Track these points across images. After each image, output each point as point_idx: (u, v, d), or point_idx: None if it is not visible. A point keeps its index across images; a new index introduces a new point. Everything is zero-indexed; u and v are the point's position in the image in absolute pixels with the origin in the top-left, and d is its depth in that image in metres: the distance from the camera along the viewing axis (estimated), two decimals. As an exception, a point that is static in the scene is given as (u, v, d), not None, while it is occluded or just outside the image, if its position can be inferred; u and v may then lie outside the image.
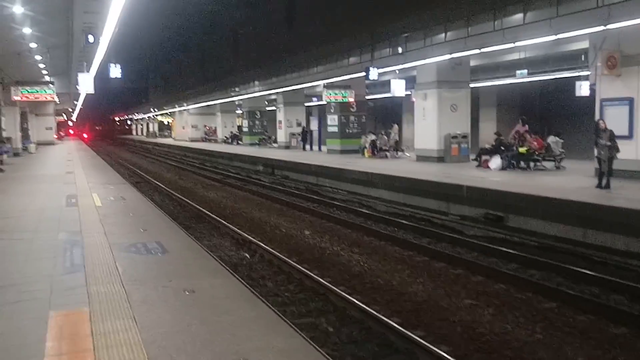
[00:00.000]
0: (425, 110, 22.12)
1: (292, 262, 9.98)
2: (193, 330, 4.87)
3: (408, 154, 25.54)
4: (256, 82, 38.88)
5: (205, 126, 56.78)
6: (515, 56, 22.68)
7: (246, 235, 12.36)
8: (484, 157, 19.37)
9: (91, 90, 22.96)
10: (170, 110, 67.22)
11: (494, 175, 16.90)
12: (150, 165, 36.30)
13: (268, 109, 44.69)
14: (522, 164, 18.27)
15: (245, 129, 44.82)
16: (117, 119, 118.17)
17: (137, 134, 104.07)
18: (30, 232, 9.40)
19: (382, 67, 22.71)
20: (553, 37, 15.27)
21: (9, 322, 5.14)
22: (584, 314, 7.55)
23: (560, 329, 7.08)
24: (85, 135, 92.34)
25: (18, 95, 24.74)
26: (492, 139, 20.78)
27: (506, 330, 7.08)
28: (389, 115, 40.73)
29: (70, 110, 71.68)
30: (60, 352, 4.46)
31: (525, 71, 23.73)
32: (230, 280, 6.76)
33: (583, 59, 19.92)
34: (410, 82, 24.77)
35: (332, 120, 29.81)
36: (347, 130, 29.32)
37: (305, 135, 35.28)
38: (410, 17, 20.89)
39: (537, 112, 30.05)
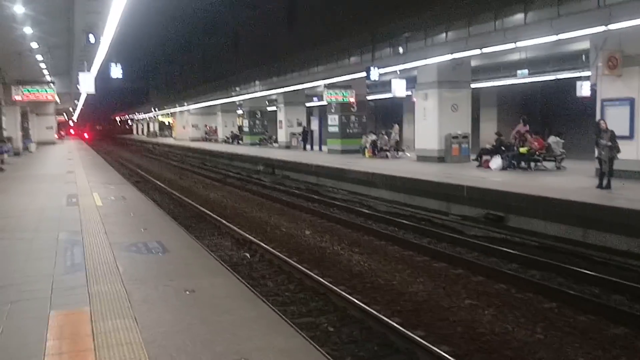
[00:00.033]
0: (426, 110, 22.11)
1: (292, 262, 9.99)
2: (194, 330, 4.87)
3: (409, 154, 25.53)
4: (257, 82, 38.87)
5: (206, 126, 56.77)
6: (516, 56, 22.67)
7: (247, 235, 12.36)
8: (484, 157, 19.36)
9: (92, 90, 22.97)
10: (171, 110, 67.24)
11: (494, 175, 16.90)
12: (150, 165, 36.30)
13: (269, 108, 44.69)
14: (523, 164, 18.26)
15: (245, 129, 44.83)
16: (117, 118, 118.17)
17: (137, 133, 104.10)
18: (31, 232, 9.41)
19: (383, 67, 22.69)
20: (554, 38, 15.25)
21: (9, 322, 5.14)
22: (584, 314, 7.55)
23: (560, 329, 7.08)
24: (86, 135, 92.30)
25: (19, 94, 24.79)
26: (493, 139, 20.78)
27: (507, 330, 7.07)
28: (389, 115, 40.74)
29: (71, 110, 71.74)
30: (61, 351, 4.46)
31: (526, 71, 23.73)
32: (231, 279, 6.76)
33: (584, 59, 19.92)
34: (411, 82, 24.76)
35: (333, 120, 29.80)
36: (347, 130, 29.30)
37: (306, 135, 35.27)
38: (411, 17, 20.87)
39: (538, 112, 30.06)
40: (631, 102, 14.57)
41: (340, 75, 26.23)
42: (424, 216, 14.82)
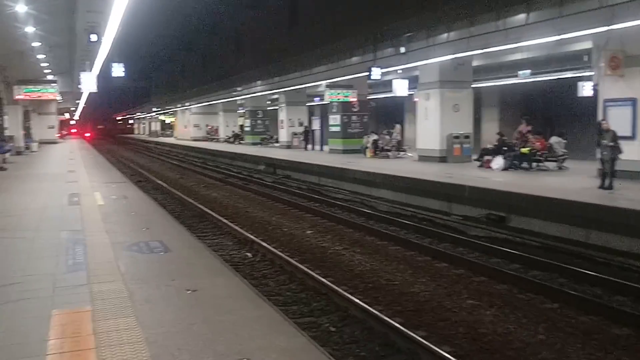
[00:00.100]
0: (428, 110, 22.10)
1: (294, 262, 9.98)
2: (195, 330, 4.87)
3: (410, 154, 25.51)
4: (258, 82, 38.88)
5: (207, 125, 56.79)
6: (518, 56, 22.63)
7: (248, 234, 12.35)
8: (486, 157, 19.35)
9: (94, 89, 23.00)
10: (173, 109, 67.25)
11: (496, 175, 16.89)
12: (152, 164, 36.31)
13: (270, 108, 44.68)
14: (525, 164, 18.24)
15: (247, 129, 44.81)
16: (119, 118, 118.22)
17: (139, 133, 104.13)
18: (32, 231, 9.41)
19: (385, 67, 22.68)
20: (556, 38, 15.24)
21: (11, 321, 5.14)
22: (586, 314, 7.54)
23: (562, 330, 7.07)
24: (87, 134, 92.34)
25: (21, 94, 24.79)
26: (495, 139, 20.76)
27: (508, 330, 7.06)
28: (391, 115, 40.66)
29: (73, 109, 71.79)
30: (63, 350, 4.46)
31: (528, 71, 23.70)
32: (233, 279, 6.76)
33: (586, 59, 19.88)
34: (413, 82, 24.75)
35: (334, 120, 29.80)
36: (349, 130, 29.30)
37: (307, 135, 35.27)
38: (413, 17, 20.86)
39: (540, 112, 29.98)
40: (633, 102, 14.56)
41: (342, 75, 26.22)
42: (426, 216, 14.81)
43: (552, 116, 28.86)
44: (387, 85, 29.18)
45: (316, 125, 41.55)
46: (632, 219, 10.38)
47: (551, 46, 19.28)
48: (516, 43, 16.92)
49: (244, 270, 9.67)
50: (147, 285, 6.22)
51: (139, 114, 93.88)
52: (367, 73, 22.85)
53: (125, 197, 13.94)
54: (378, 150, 25.62)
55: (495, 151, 19.34)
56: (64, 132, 72.08)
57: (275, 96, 39.65)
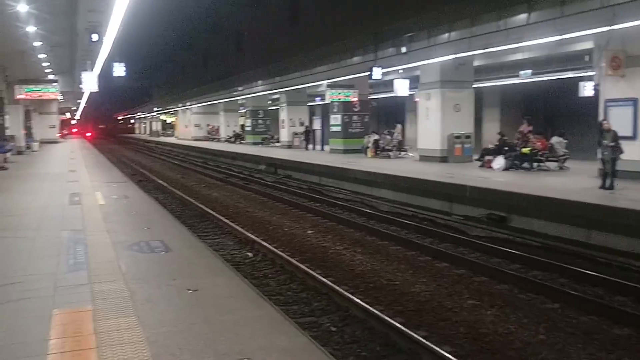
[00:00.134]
0: (429, 110, 22.10)
1: (294, 262, 9.98)
2: (196, 329, 4.87)
3: (411, 154, 25.52)
4: (259, 82, 38.88)
5: (208, 125, 56.80)
6: (519, 56, 22.64)
7: (249, 234, 12.35)
8: (487, 157, 19.35)
9: (95, 89, 23.01)
10: (174, 109, 67.26)
11: (497, 175, 16.88)
12: (153, 164, 36.33)
13: (271, 108, 44.69)
14: (526, 164, 18.24)
15: (248, 128, 44.82)
16: (120, 117, 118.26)
17: (140, 132, 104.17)
18: (33, 230, 9.41)
19: (386, 67, 22.69)
20: (558, 38, 15.24)
21: (12, 320, 5.15)
22: (587, 315, 7.54)
23: (563, 330, 7.07)
24: (88, 134, 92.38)
25: (22, 93, 24.80)
26: (496, 139, 20.75)
27: (509, 330, 7.06)
28: (392, 115, 40.70)
29: (74, 108, 71.83)
30: (64, 350, 4.47)
31: (529, 71, 23.70)
32: (234, 279, 6.76)
33: (587, 59, 19.88)
34: (414, 82, 24.75)
35: (335, 119, 29.80)
36: (350, 130, 29.30)
37: (308, 135, 35.28)
38: (414, 17, 20.84)
39: (541, 112, 30.00)
40: (634, 102, 14.55)
41: (343, 75, 26.23)
42: (426, 216, 14.81)
43: (553, 116, 28.88)
44: (388, 85, 29.19)
45: (317, 125, 41.57)
46: (633, 219, 10.37)
47: (552, 46, 19.29)
48: (517, 43, 16.92)
49: (244, 270, 9.68)
50: (148, 284, 6.22)
51: (140, 113, 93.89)
52: (368, 73, 22.85)
53: (126, 197, 13.95)
54: (379, 150, 25.62)
55: (496, 151, 19.34)
56: (65, 132, 72.14)
57: (276, 96, 39.67)
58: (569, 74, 22.62)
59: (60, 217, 10.69)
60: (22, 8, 15.92)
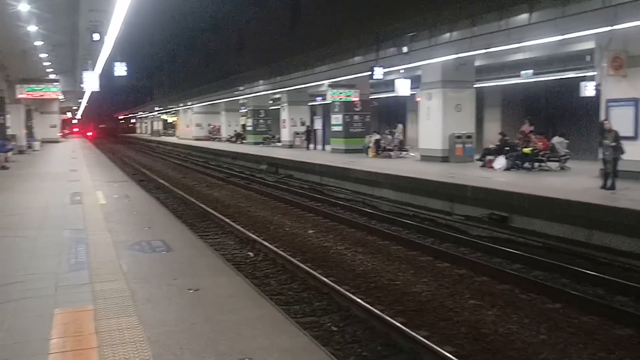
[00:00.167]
0: (430, 110, 22.09)
1: (295, 261, 9.98)
2: (197, 329, 4.87)
3: (412, 154, 25.51)
4: (260, 81, 38.87)
5: (209, 125, 56.82)
6: (520, 56, 22.62)
7: (250, 233, 12.35)
8: (488, 157, 19.34)
9: (96, 88, 23.01)
10: (175, 108, 67.28)
11: (498, 175, 16.87)
12: (154, 164, 36.34)
13: (272, 108, 44.69)
14: (527, 164, 18.22)
15: (249, 128, 44.83)
16: (121, 117, 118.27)
17: (141, 132, 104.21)
18: (35, 230, 9.42)
19: (387, 67, 22.67)
20: (559, 38, 15.23)
21: (13, 320, 5.15)
22: (588, 315, 7.53)
23: (565, 330, 7.06)
24: (89, 134, 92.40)
25: (23, 93, 24.81)
26: (497, 139, 20.75)
27: (510, 330, 7.06)
28: (393, 115, 40.68)
29: (75, 108, 71.87)
30: (65, 349, 4.47)
31: (531, 71, 23.67)
32: (235, 278, 6.76)
33: (588, 59, 19.86)
34: (415, 82, 24.74)
35: (336, 119, 29.81)
36: (351, 130, 29.31)
37: (309, 135, 35.28)
38: (416, 17, 20.84)
39: (542, 112, 29.97)
40: (636, 102, 14.53)
41: (344, 75, 26.22)
42: (428, 216, 14.81)
43: (554, 116, 28.84)
44: (389, 84, 29.18)
45: (318, 124, 41.56)
46: (634, 220, 10.36)
47: (554, 46, 19.27)
48: (519, 43, 16.90)
49: (245, 270, 9.68)
50: (149, 284, 6.22)
51: (141, 113, 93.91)
52: (369, 73, 22.84)
53: (127, 197, 13.95)
54: (380, 150, 25.62)
55: (498, 151, 19.33)
56: (66, 132, 72.19)
57: (278, 96, 39.66)
58: (571, 74, 22.58)
59: (61, 217, 10.70)
60: (24, 7, 15.93)
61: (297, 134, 36.51)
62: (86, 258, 7.35)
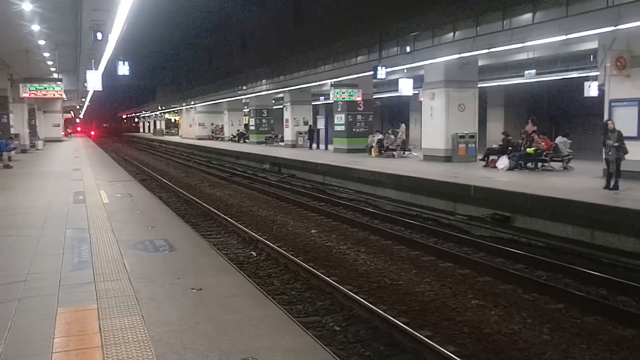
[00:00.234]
0: (433, 109, 22.09)
1: (298, 261, 9.98)
2: (201, 328, 4.87)
3: (415, 154, 25.51)
4: (263, 81, 38.91)
5: (212, 124, 56.88)
6: (523, 56, 22.61)
7: (253, 233, 12.36)
8: (491, 157, 19.33)
9: (99, 88, 23.02)
10: (178, 108, 67.34)
11: (501, 175, 16.86)
12: (157, 163, 36.38)
13: (275, 107, 44.71)
14: (530, 164, 18.20)
15: (252, 128, 44.87)
16: (124, 116, 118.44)
17: (144, 131, 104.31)
18: (38, 229, 9.43)
19: (390, 66, 22.68)
20: (562, 37, 15.22)
21: (17, 319, 5.15)
22: (591, 315, 7.52)
23: (567, 330, 7.05)
24: (92, 133, 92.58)
25: (26, 92, 24.84)
26: (500, 139, 20.73)
27: (513, 330, 7.05)
28: (396, 115, 40.72)
29: (78, 107, 71.97)
30: (68, 348, 4.47)
31: (534, 71, 23.66)
32: (238, 278, 6.76)
33: (592, 59, 19.84)
34: (418, 82, 24.74)
35: (339, 119, 29.82)
36: (354, 129, 29.33)
37: (312, 134, 35.29)
38: (419, 16, 20.84)
39: (545, 112, 29.97)
40: (639, 102, 14.51)
41: (347, 74, 26.22)
42: (430, 216, 14.79)
43: (557, 116, 28.83)
44: (392, 84, 29.20)
45: (321, 124, 41.58)
46: (638, 220, 10.35)
47: (557, 46, 19.26)
48: (522, 43, 16.89)
49: (248, 269, 9.69)
50: (153, 283, 6.22)
51: (144, 112, 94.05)
52: (372, 72, 22.84)
53: (131, 196, 13.96)
54: (383, 150, 25.62)
55: (501, 151, 19.31)
56: (69, 131, 72.32)
57: (280, 95, 39.68)
58: (574, 74, 22.58)
59: (64, 216, 10.71)
60: (27, 7, 15.94)
61: (300, 133, 36.53)
62: (89, 257, 7.36)
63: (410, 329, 6.72)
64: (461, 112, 21.58)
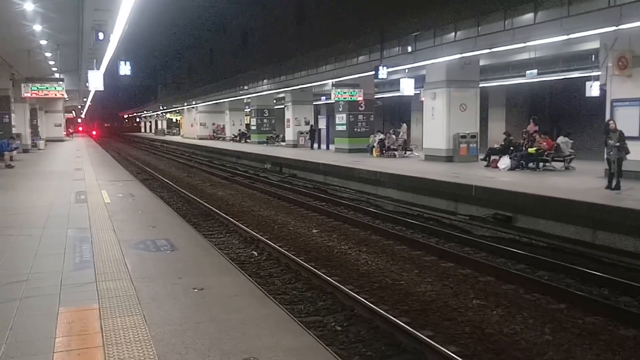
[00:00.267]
0: (434, 109, 22.08)
1: (299, 261, 9.98)
2: (202, 328, 4.87)
3: (416, 154, 25.50)
4: (265, 81, 38.93)
5: (213, 124, 56.91)
6: (525, 56, 22.59)
7: (254, 233, 12.36)
8: (492, 157, 19.32)
9: (100, 87, 23.05)
10: (179, 108, 67.36)
11: (502, 175, 16.85)
12: (158, 163, 36.40)
13: (276, 107, 44.71)
14: (531, 164, 18.19)
15: (253, 127, 44.89)
16: (125, 116, 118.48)
17: (145, 131, 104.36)
18: (40, 229, 9.43)
19: (392, 66, 22.67)
20: (564, 37, 15.20)
21: (18, 318, 5.16)
22: (593, 315, 7.51)
23: (569, 331, 7.05)
24: (94, 133, 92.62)
25: (28, 92, 24.85)
26: (501, 138, 20.72)
27: (515, 331, 7.05)
28: (397, 114, 40.72)
29: (80, 107, 72.03)
30: (70, 348, 4.47)
31: (535, 71, 23.64)
32: (240, 278, 6.75)
33: (593, 59, 19.83)
34: (420, 81, 24.73)
35: (341, 119, 29.82)
36: (355, 129, 29.32)
37: (313, 134, 35.29)
38: (420, 16, 20.83)
39: (547, 112, 29.96)
40: (641, 102, 14.51)
41: (349, 74, 26.22)
42: (432, 216, 14.79)
43: (559, 116, 28.82)
44: (393, 84, 29.18)
45: (322, 124, 41.59)
46: (639, 220, 10.33)
47: (558, 46, 19.24)
48: (523, 43, 16.87)
49: (250, 269, 9.69)
50: (154, 283, 6.22)
51: (146, 112, 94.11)
52: (373, 72, 22.84)
53: (132, 195, 13.97)
54: (384, 150, 25.62)
55: (502, 151, 19.30)
56: (71, 131, 72.36)
57: (282, 95, 39.68)
58: (575, 74, 22.56)
59: (66, 215, 10.71)
60: (29, 7, 15.95)
61: (301, 133, 36.53)
62: (91, 257, 7.36)
63: (411, 329, 6.71)
64: (462, 112, 21.57)
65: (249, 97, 43.93)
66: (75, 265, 7.00)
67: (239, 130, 49.72)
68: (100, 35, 17.23)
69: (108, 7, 15.45)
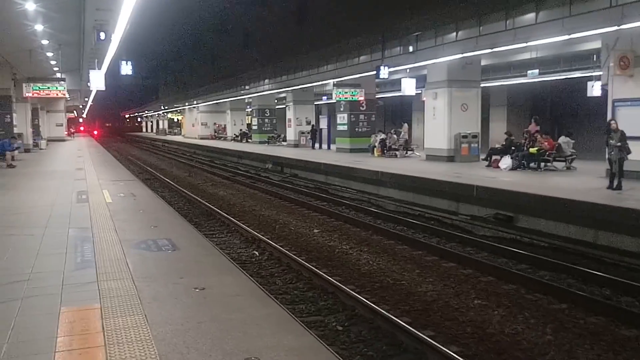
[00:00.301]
0: (436, 109, 22.07)
1: (301, 260, 9.98)
2: (203, 328, 4.87)
3: (418, 153, 25.49)
4: (266, 80, 38.94)
5: (215, 124, 56.93)
6: (526, 56, 22.58)
7: (255, 232, 12.36)
8: (494, 157, 19.32)
9: (102, 87, 23.07)
10: (180, 107, 67.40)
11: (504, 175, 16.84)
12: (159, 163, 36.41)
13: (278, 107, 44.73)
14: (533, 164, 18.18)
15: (254, 127, 44.90)
16: (127, 116, 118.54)
17: (146, 131, 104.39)
18: (41, 228, 9.43)
19: (393, 66, 22.66)
20: (565, 37, 15.19)
21: (20, 318, 5.16)
22: (594, 315, 7.51)
23: (570, 331, 7.04)
24: (95, 132, 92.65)
25: (29, 91, 24.86)
26: (503, 138, 20.71)
27: (516, 331, 7.04)
28: (398, 114, 40.68)
29: (81, 107, 72.06)
30: (71, 347, 4.47)
31: (537, 71, 23.62)
32: (241, 277, 6.75)
33: (595, 59, 19.81)
34: (421, 81, 24.72)
35: (342, 118, 29.82)
36: (356, 129, 29.32)
37: (315, 134, 35.30)
38: (422, 16, 20.84)
39: (548, 112, 29.92)
40: (643, 102, 14.50)
41: (350, 74, 26.22)
42: (433, 216, 14.79)
43: (560, 116, 28.79)
44: (395, 84, 29.16)
45: (324, 124, 41.58)
46: (641, 220, 10.34)
47: (560, 46, 19.23)
48: (525, 42, 16.87)
49: (251, 269, 9.70)
50: (156, 283, 6.23)
51: (147, 112, 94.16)
52: (374, 72, 22.83)
53: (134, 195, 13.97)
54: (385, 150, 25.61)
55: (503, 151, 19.29)
56: (72, 130, 72.39)
57: (283, 95, 39.69)
58: (577, 74, 22.53)
59: (67, 215, 10.71)
60: (30, 6, 15.95)
61: (303, 133, 36.53)
62: (92, 256, 7.37)
63: (412, 329, 6.71)
64: (464, 111, 21.56)
65: (250, 97, 43.95)
66: (76, 264, 7.00)
67: (240, 130, 49.75)
68: (102, 35, 17.23)
69: (109, 7, 15.45)
